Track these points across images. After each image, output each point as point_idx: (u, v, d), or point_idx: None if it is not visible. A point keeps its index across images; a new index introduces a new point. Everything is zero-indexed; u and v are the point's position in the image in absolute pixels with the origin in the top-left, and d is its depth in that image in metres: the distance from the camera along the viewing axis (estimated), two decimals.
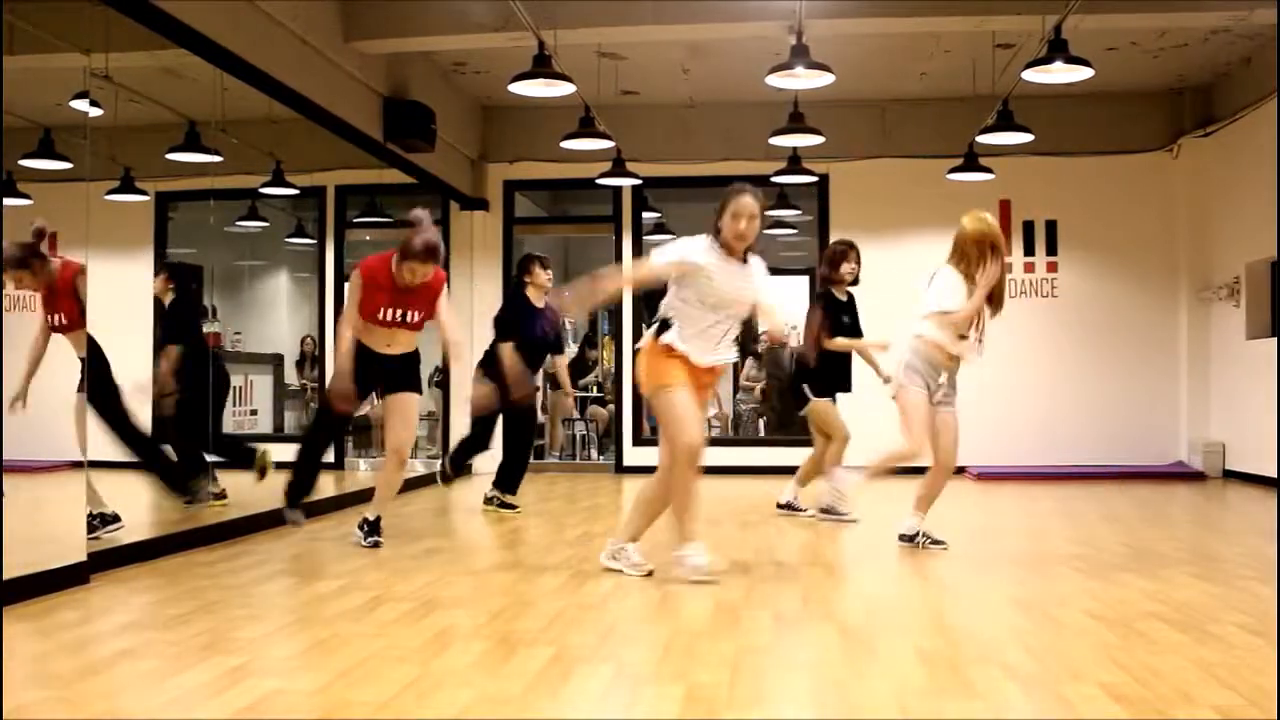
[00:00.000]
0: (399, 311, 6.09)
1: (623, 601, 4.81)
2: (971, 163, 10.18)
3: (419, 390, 6.48)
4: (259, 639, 4.12)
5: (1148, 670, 3.54)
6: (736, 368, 14.51)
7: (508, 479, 8.06)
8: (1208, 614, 4.43)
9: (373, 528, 6.29)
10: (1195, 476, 10.85)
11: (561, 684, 3.44)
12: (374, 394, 6.48)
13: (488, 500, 8.10)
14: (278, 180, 10.50)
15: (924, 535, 6.24)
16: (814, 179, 11.08)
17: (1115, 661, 3.67)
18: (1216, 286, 11.07)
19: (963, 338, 6.08)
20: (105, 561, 5.38)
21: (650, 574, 5.25)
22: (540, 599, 4.82)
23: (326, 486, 9.51)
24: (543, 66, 7.62)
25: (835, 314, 7.58)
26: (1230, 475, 10.83)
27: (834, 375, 7.68)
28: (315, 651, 3.91)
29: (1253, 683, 3.40)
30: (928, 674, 3.57)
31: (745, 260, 5.25)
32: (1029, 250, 11.66)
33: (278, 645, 4.07)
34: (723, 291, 5.16)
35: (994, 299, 6.08)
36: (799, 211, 13.22)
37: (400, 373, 6.29)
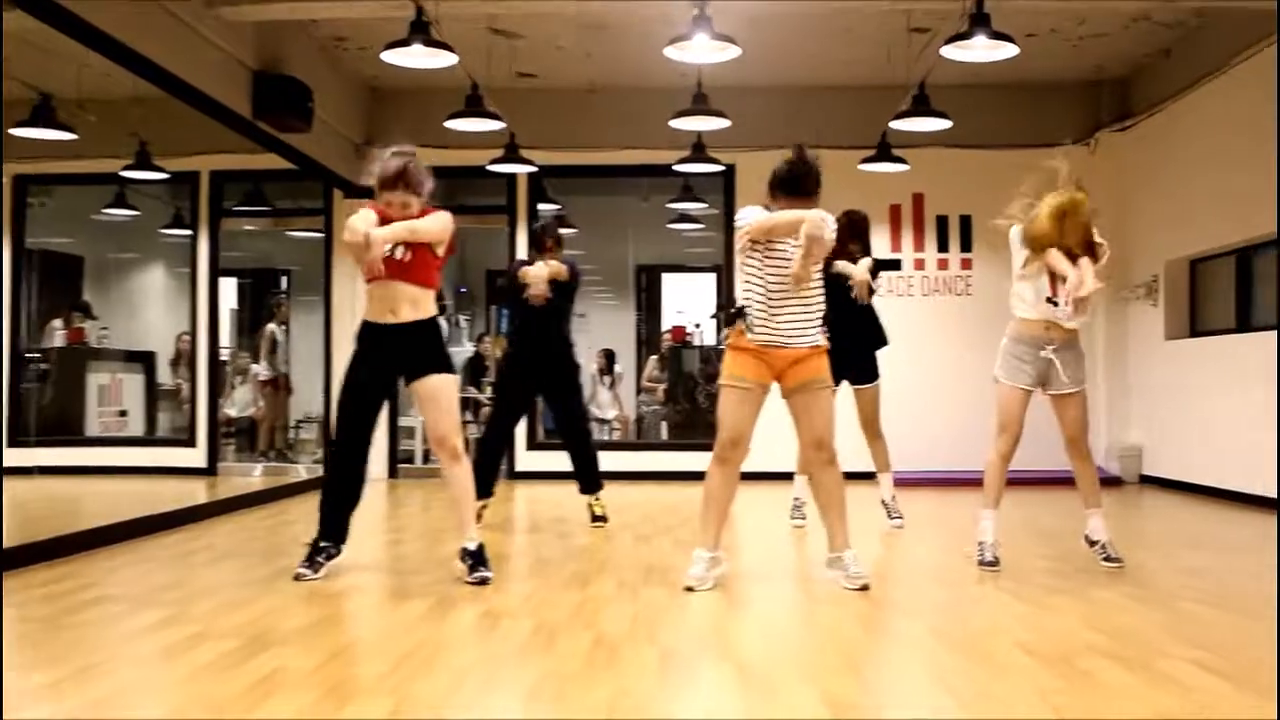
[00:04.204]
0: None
1: (488, 636, 4.17)
2: (885, 153, 9.71)
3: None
4: (47, 686, 3.39)
5: None
6: (639, 368, 13.91)
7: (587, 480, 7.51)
8: (1154, 646, 3.89)
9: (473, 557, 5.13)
10: (1112, 482, 10.46)
11: None
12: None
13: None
14: (143, 163, 9.69)
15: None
16: (720, 168, 10.51)
17: (1056, 710, 3.11)
18: (1134, 285, 10.71)
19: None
20: None
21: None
22: (392, 635, 4.15)
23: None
24: (421, 33, 6.94)
25: None
26: (1147, 480, 10.49)
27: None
28: (107, 704, 3.19)
29: None
30: None
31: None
32: (943, 247, 11.22)
33: (69, 694, 3.33)
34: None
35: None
36: (705, 205, 12.65)
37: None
